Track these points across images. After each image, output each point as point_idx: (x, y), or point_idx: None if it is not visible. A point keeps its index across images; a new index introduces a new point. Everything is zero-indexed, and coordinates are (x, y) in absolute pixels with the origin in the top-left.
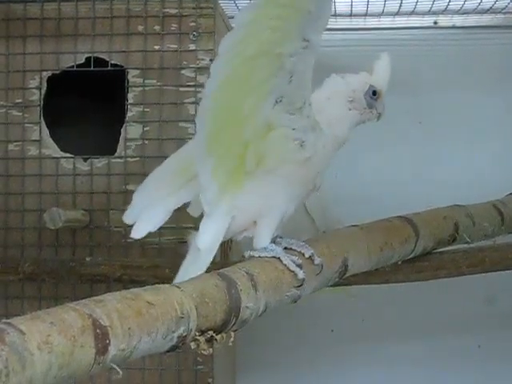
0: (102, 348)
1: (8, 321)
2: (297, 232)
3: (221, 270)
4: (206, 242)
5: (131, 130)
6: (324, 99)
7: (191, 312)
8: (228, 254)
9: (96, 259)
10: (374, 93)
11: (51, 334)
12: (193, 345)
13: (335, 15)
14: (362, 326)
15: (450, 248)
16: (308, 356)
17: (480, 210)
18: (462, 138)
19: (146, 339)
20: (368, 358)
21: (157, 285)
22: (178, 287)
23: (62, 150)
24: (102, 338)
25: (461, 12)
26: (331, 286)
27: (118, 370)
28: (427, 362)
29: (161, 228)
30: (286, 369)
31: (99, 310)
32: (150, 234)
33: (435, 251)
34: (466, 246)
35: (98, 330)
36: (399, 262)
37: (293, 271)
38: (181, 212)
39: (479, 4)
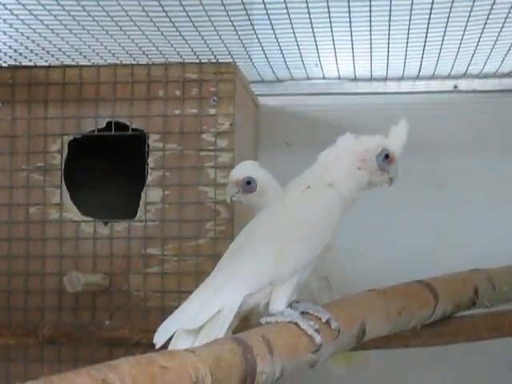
0: None
1: None
2: (311, 292)
3: (236, 335)
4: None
5: (151, 194)
6: (333, 157)
7: (206, 377)
8: (248, 317)
9: (115, 323)
10: (387, 156)
11: None
12: None
13: (355, 79)
14: None
15: (469, 312)
16: None
17: (500, 273)
18: (483, 201)
19: None
20: None
21: (170, 347)
22: (192, 352)
23: (82, 214)
24: None
25: (481, 76)
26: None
27: None
28: None
29: (180, 292)
30: None
31: (112, 374)
32: (169, 298)
33: (455, 316)
34: (485, 310)
35: None
36: (418, 327)
37: (310, 336)
38: (200, 276)
39: (499, 68)
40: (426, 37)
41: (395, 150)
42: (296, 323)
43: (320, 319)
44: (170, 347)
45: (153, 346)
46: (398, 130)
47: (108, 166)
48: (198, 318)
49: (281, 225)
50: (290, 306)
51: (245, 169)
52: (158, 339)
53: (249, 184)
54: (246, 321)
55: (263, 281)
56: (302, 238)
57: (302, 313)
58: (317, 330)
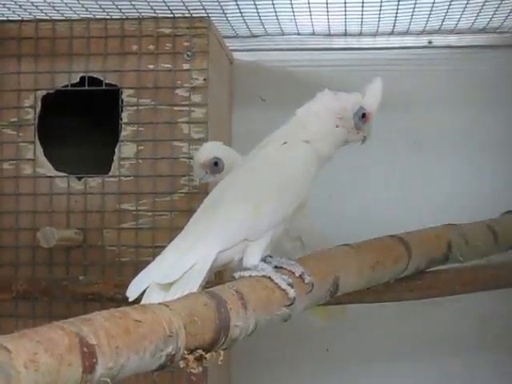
0: (88, 366)
1: None
2: (285, 251)
3: (210, 289)
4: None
5: (125, 149)
6: (312, 113)
7: (180, 331)
8: (222, 273)
9: (90, 278)
10: (363, 115)
11: (38, 353)
12: (182, 363)
13: (330, 35)
14: (357, 346)
15: (442, 267)
16: (303, 375)
17: (473, 229)
18: (457, 157)
19: (133, 358)
20: (362, 378)
21: (143, 300)
22: (166, 306)
23: (56, 169)
24: (89, 357)
25: (455, 32)
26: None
27: None
28: (421, 381)
29: (155, 247)
30: None
31: (86, 328)
32: (144, 253)
33: (428, 270)
34: (459, 265)
35: (85, 349)
36: (391, 281)
37: (284, 290)
38: (175, 231)
39: (473, 23)
40: None
41: (372, 109)
42: (270, 277)
43: (293, 273)
44: (144, 301)
45: (127, 300)
46: (374, 89)
47: (82, 122)
48: (172, 273)
49: (256, 181)
50: (263, 260)
51: (210, 150)
52: (132, 293)
53: (216, 165)
54: (219, 275)
55: (238, 237)
56: (278, 194)
57: (276, 267)
58: (290, 284)
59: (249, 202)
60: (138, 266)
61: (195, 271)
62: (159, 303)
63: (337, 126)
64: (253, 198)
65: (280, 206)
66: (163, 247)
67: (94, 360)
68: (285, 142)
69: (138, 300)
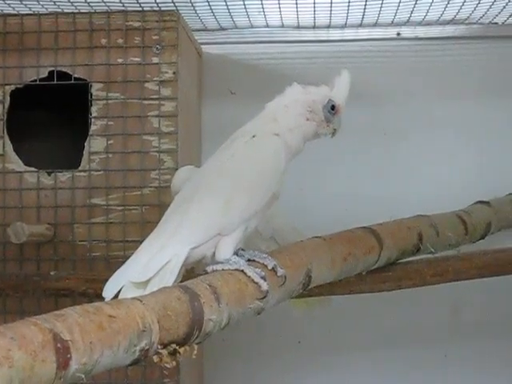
0: (63, 362)
1: None
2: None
3: (183, 283)
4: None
5: (95, 144)
6: (282, 106)
7: (153, 325)
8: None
9: (60, 273)
10: (333, 107)
11: (11, 349)
12: (155, 358)
13: (298, 27)
14: (329, 337)
15: (414, 258)
16: (275, 367)
17: (444, 219)
18: (426, 148)
19: (107, 353)
20: (334, 368)
21: (118, 298)
22: (139, 300)
23: (25, 164)
24: (63, 353)
25: (423, 23)
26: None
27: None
28: (393, 371)
29: (126, 241)
30: (253, 381)
31: (60, 324)
32: (114, 248)
33: (399, 261)
34: (430, 255)
35: (58, 345)
36: (363, 273)
37: (257, 283)
38: (145, 226)
39: (441, 15)
40: None
41: (340, 102)
42: (242, 271)
43: (266, 266)
44: None
45: (99, 296)
46: (342, 82)
47: (51, 116)
48: (147, 271)
49: (226, 175)
50: (236, 253)
51: (183, 177)
52: (107, 292)
53: None
54: (191, 270)
55: (210, 232)
56: (248, 188)
57: (249, 260)
58: (263, 277)
59: (219, 196)
60: (109, 261)
61: (169, 269)
62: (132, 298)
63: (307, 119)
64: (223, 192)
65: (251, 200)
66: (134, 241)
67: (68, 356)
68: (254, 136)
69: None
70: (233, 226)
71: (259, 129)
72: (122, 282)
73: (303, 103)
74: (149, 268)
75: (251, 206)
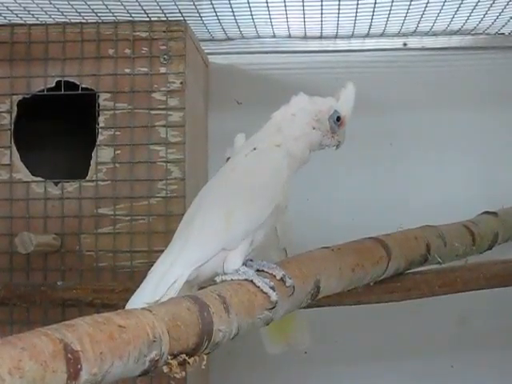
0: (73, 373)
1: None
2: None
3: (193, 294)
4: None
5: (102, 154)
6: (289, 115)
7: (163, 335)
8: None
9: (67, 283)
10: (338, 119)
11: (22, 360)
12: (165, 368)
13: (305, 37)
14: (336, 348)
15: (422, 268)
16: (282, 377)
17: (451, 230)
18: (433, 158)
19: (117, 363)
20: (341, 380)
21: (128, 309)
22: (149, 311)
23: (32, 174)
24: (73, 363)
25: (430, 34)
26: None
27: None
28: (400, 382)
29: (133, 251)
30: None
31: (70, 334)
32: (121, 258)
33: (407, 272)
34: (438, 266)
35: (69, 355)
36: (371, 283)
37: (266, 293)
38: (152, 236)
39: (448, 25)
40: None
41: (346, 113)
42: (251, 281)
43: (275, 276)
44: None
45: (105, 306)
46: (347, 94)
47: (58, 126)
48: (157, 292)
49: (226, 189)
50: (244, 264)
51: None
52: None
53: None
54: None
55: (213, 248)
56: (249, 201)
57: (257, 270)
58: (272, 287)
59: (220, 212)
60: (116, 271)
61: (173, 290)
62: (142, 308)
63: (313, 128)
64: (224, 207)
65: (252, 213)
66: (141, 252)
67: (79, 366)
68: (254, 148)
69: None
70: (236, 240)
71: (262, 140)
72: (139, 305)
73: (310, 112)
74: (159, 288)
75: (253, 219)
